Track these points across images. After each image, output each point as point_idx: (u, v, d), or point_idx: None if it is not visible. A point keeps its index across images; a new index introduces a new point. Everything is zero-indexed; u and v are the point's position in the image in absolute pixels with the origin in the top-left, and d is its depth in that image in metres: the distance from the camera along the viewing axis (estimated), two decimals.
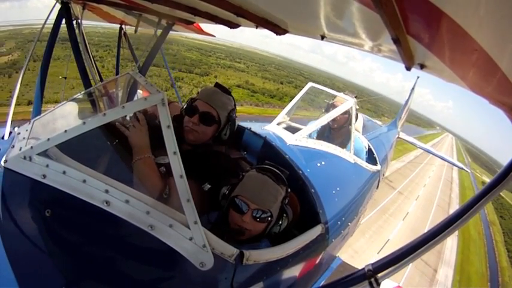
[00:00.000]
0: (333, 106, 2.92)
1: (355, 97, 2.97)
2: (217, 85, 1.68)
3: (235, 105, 1.67)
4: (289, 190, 1.45)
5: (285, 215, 1.40)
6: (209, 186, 1.43)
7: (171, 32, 3.07)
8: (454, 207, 20.19)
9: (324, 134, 3.05)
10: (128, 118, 1.40)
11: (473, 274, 13.79)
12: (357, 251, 9.31)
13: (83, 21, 2.97)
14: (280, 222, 1.40)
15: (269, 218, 1.35)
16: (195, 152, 1.52)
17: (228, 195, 1.38)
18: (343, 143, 2.83)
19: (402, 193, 15.72)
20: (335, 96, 3.07)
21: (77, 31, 2.75)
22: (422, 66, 1.15)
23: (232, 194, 1.37)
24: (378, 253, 9.64)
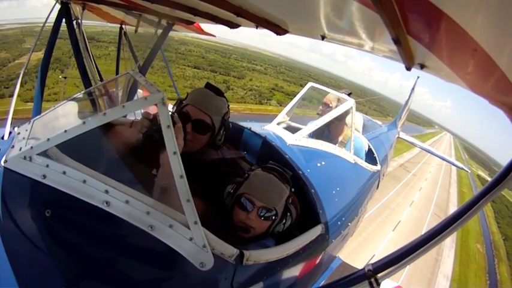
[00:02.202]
0: (323, 104, 2.91)
1: (349, 94, 2.95)
2: (208, 86, 1.55)
3: (228, 106, 1.56)
4: (292, 190, 1.46)
5: (288, 213, 1.42)
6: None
7: (176, 32, 3.07)
8: (453, 188, 28.01)
9: (324, 133, 3.05)
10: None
11: (471, 230, 19.61)
12: (399, 203, 15.19)
13: (83, 21, 2.96)
14: (284, 221, 1.41)
15: (274, 217, 1.37)
16: (193, 162, 1.41)
17: (234, 194, 1.39)
18: (342, 142, 2.83)
19: (415, 175, 22.08)
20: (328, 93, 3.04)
21: (77, 31, 2.75)
22: (422, 66, 1.15)
23: (238, 192, 1.38)
24: (409, 206, 15.67)
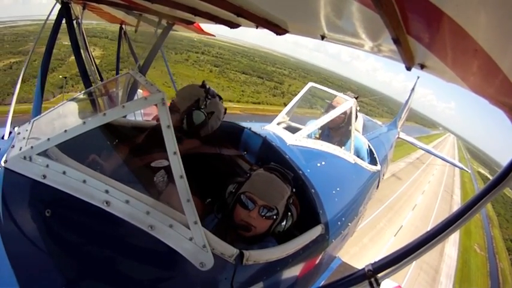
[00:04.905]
0: (332, 106, 2.92)
1: (356, 98, 2.97)
2: (202, 84, 1.70)
3: (207, 97, 1.64)
4: (294, 190, 1.47)
5: (289, 213, 1.43)
6: (209, 199, 1.45)
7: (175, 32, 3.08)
8: (457, 177, 37.11)
9: (324, 132, 3.05)
10: None
11: None
12: (421, 182, 24.14)
13: (83, 21, 2.97)
14: (285, 221, 1.41)
15: (275, 216, 1.37)
16: (189, 156, 1.45)
17: (235, 193, 1.39)
18: (342, 141, 2.84)
19: (428, 165, 30.61)
20: (335, 96, 3.06)
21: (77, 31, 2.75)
22: (422, 66, 1.15)
23: (240, 191, 1.38)
24: (428, 183, 25.25)
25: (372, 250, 10.57)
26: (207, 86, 1.67)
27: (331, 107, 2.93)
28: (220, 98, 1.72)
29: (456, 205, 24.17)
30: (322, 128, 3.01)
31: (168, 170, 1.28)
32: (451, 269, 14.24)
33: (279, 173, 1.44)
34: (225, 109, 1.74)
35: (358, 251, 10.03)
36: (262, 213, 1.34)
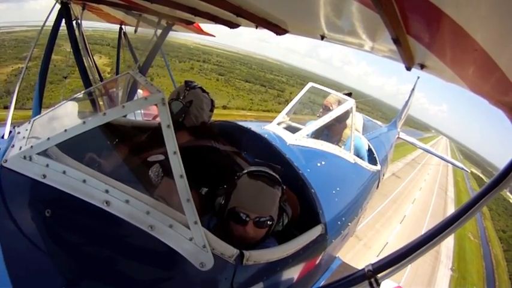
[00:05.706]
0: (324, 107, 2.92)
1: (349, 94, 2.97)
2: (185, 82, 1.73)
3: (185, 89, 1.68)
4: (284, 187, 1.41)
5: (284, 213, 1.40)
6: (206, 189, 1.43)
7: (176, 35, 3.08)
8: (450, 175, 40.76)
9: (323, 132, 3.05)
10: None
11: (464, 200, 29.61)
12: (418, 180, 27.54)
13: (82, 21, 2.97)
14: (281, 221, 1.40)
15: (270, 221, 1.34)
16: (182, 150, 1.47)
17: (225, 206, 1.34)
18: (339, 139, 2.86)
19: (423, 165, 33.55)
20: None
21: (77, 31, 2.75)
22: (422, 66, 1.15)
23: (230, 206, 1.32)
24: (424, 181, 28.81)
25: (384, 234, 13.44)
26: (190, 82, 1.72)
27: (323, 106, 2.94)
28: (203, 91, 1.73)
29: (450, 200, 28.23)
30: (322, 127, 3.02)
31: (163, 164, 1.28)
32: (449, 251, 17.47)
33: (265, 178, 1.35)
34: (212, 100, 1.76)
35: (374, 234, 12.81)
36: (258, 225, 1.31)
